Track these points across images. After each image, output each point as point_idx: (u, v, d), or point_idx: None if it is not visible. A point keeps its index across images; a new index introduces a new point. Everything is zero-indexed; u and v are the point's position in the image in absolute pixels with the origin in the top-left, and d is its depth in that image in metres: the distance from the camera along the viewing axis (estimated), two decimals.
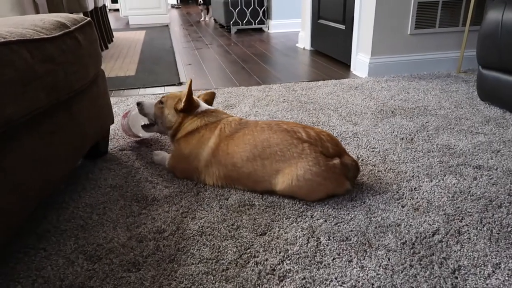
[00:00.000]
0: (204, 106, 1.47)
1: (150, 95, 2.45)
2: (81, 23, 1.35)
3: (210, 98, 1.58)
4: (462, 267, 0.96)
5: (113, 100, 2.27)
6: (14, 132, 0.96)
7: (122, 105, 2.24)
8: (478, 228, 1.10)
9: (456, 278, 0.93)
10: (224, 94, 2.40)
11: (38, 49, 1.05)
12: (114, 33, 5.10)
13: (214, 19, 6.49)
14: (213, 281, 0.93)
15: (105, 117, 1.56)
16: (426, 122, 1.87)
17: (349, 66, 2.98)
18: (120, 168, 1.51)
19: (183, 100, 1.41)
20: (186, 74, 3.03)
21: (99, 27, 4.00)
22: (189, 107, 1.42)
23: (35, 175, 1.03)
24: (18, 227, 0.98)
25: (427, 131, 1.77)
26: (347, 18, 2.96)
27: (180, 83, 2.74)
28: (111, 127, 1.80)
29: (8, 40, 0.95)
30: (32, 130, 1.04)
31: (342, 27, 3.06)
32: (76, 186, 1.37)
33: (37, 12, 3.09)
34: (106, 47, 4.18)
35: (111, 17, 7.36)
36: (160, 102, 1.50)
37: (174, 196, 1.30)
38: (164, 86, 2.69)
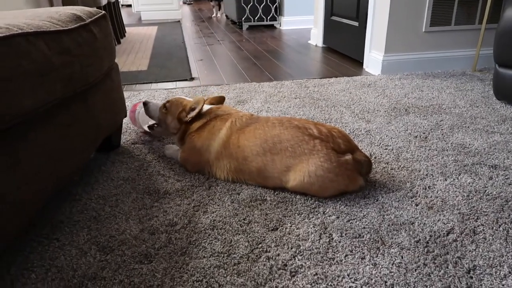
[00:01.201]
0: (207, 106, 1.47)
1: (162, 89, 2.46)
2: (96, 16, 1.35)
3: (217, 103, 1.56)
4: (478, 267, 0.94)
5: (125, 94, 2.28)
6: (30, 124, 0.97)
7: (134, 99, 2.25)
8: (494, 228, 1.08)
9: (471, 278, 0.91)
10: (236, 90, 2.40)
11: (54, 41, 1.06)
12: (127, 29, 5.13)
13: (226, 15, 6.48)
14: (225, 275, 0.93)
15: (118, 110, 1.57)
16: (441, 121, 1.85)
17: (362, 63, 2.96)
18: (133, 161, 1.51)
19: (189, 115, 1.41)
20: (197, 69, 3.03)
21: (112, 22, 4.02)
22: (195, 119, 1.43)
23: (50, 167, 1.04)
24: (33, 217, 0.99)
25: (442, 129, 1.75)
26: (361, 14, 2.93)
27: (192, 79, 2.74)
28: (124, 120, 1.81)
29: (25, 31, 0.95)
30: (47, 122, 1.04)
31: (356, 23, 3.03)
32: (89, 178, 1.38)
33: (52, 5, 3.11)
34: (119, 42, 4.21)
35: (123, 12, 7.40)
36: (165, 107, 1.50)
37: (186, 190, 1.30)
38: (176, 81, 2.69)
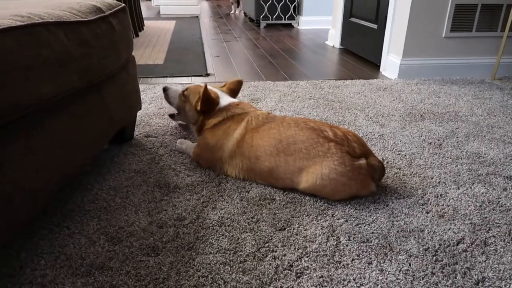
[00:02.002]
0: (227, 100, 1.46)
1: (177, 84, 2.47)
2: (115, 9, 1.37)
3: (236, 87, 1.57)
4: (487, 279, 0.92)
5: (141, 87, 2.30)
6: (45, 113, 0.98)
7: (150, 92, 2.27)
8: (506, 240, 1.06)
9: None
10: (251, 88, 2.40)
11: (74, 31, 1.07)
12: (145, 22, 5.17)
13: (244, 13, 6.48)
14: (230, 272, 0.93)
15: (133, 103, 1.59)
16: (456, 128, 1.82)
17: (379, 66, 2.93)
18: (145, 154, 1.53)
19: (199, 103, 1.41)
20: (213, 65, 3.04)
21: (131, 15, 4.05)
22: (206, 108, 1.42)
23: (62, 156, 1.05)
24: (44, 204, 1.01)
25: (457, 137, 1.72)
26: (380, 17, 2.90)
27: (208, 74, 2.75)
28: (138, 113, 1.82)
29: (46, 21, 0.97)
30: (62, 112, 1.06)
31: (374, 26, 3.00)
32: (101, 169, 1.40)
33: None
34: (137, 35, 4.24)
35: (143, 6, 7.45)
36: (183, 94, 1.50)
37: (195, 185, 1.31)
38: (191, 76, 2.70)
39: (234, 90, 1.56)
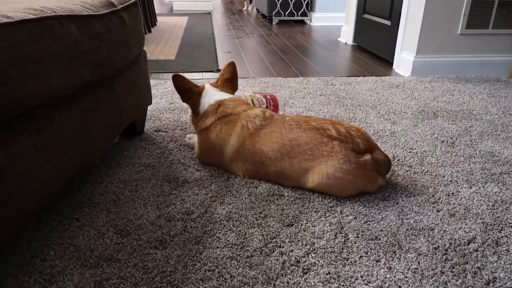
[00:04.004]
0: (214, 97, 1.39)
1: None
2: (127, 3, 1.37)
3: (229, 74, 1.47)
4: (498, 279, 0.91)
5: (152, 82, 2.31)
6: (56, 105, 0.99)
7: (161, 87, 2.28)
8: None
9: None
10: (261, 84, 2.39)
11: (86, 25, 1.08)
12: (158, 18, 5.19)
13: (257, 9, 6.46)
14: (237, 266, 0.93)
15: (144, 97, 1.59)
16: (470, 127, 1.78)
17: (392, 63, 2.89)
18: (154, 148, 1.54)
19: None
20: (225, 61, 3.04)
21: (143, 10, 4.08)
22: (184, 98, 1.43)
23: (73, 149, 1.06)
24: (54, 196, 1.02)
25: (470, 135, 1.69)
26: (394, 13, 2.86)
27: (219, 70, 2.75)
28: (149, 108, 1.83)
29: (58, 14, 0.98)
30: (73, 105, 1.07)
31: (388, 23, 2.96)
32: (111, 162, 1.41)
33: None
34: (149, 31, 4.26)
35: (156, 2, 7.48)
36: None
37: (204, 180, 1.31)
38: (202, 72, 2.71)
39: (231, 79, 1.47)
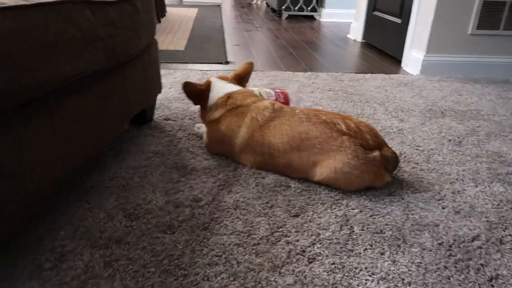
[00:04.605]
0: (223, 89, 1.40)
1: (197, 70, 2.49)
2: None
3: (243, 72, 1.50)
4: (500, 276, 0.92)
5: (161, 72, 2.31)
6: (69, 91, 1.00)
7: (170, 77, 2.29)
8: None
9: (492, 286, 0.89)
10: (270, 77, 2.40)
11: (101, 11, 1.09)
12: (168, 9, 5.19)
13: (266, 3, 6.44)
14: (243, 253, 0.95)
15: (154, 85, 1.61)
16: (478, 127, 1.79)
17: (400, 61, 2.88)
18: (163, 136, 1.55)
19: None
20: (234, 54, 3.04)
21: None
22: (196, 100, 1.44)
23: (85, 134, 1.08)
24: (64, 180, 1.03)
25: (478, 135, 1.69)
26: (405, 11, 2.85)
27: (227, 62, 2.76)
28: (158, 97, 1.85)
29: None
30: (85, 91, 1.08)
31: (398, 20, 2.95)
32: (121, 149, 1.43)
33: None
34: (159, 21, 4.27)
35: None
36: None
37: (212, 169, 1.32)
38: (211, 63, 2.71)
39: (242, 76, 1.49)
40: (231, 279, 0.87)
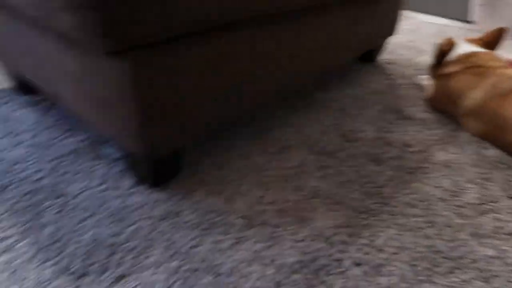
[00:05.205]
0: (463, 49, 1.30)
1: (426, 23, 2.31)
2: None
3: (492, 39, 1.35)
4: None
5: None
6: (330, 10, 1.08)
7: (403, 23, 2.20)
8: None
9: None
10: None
11: None
12: None
13: None
14: (445, 209, 0.93)
15: (388, 27, 1.59)
16: None
17: None
18: (384, 78, 1.55)
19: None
20: (477, 13, 2.69)
21: None
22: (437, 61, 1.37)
23: (313, 58, 1.17)
24: (291, 92, 1.17)
25: None
26: None
27: (467, 21, 2.47)
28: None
29: None
30: (339, 13, 1.15)
31: None
32: (344, 78, 1.51)
33: None
34: None
35: None
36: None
37: (429, 123, 1.28)
38: (450, 19, 2.48)
39: (490, 43, 1.35)
40: (428, 224, 0.88)
